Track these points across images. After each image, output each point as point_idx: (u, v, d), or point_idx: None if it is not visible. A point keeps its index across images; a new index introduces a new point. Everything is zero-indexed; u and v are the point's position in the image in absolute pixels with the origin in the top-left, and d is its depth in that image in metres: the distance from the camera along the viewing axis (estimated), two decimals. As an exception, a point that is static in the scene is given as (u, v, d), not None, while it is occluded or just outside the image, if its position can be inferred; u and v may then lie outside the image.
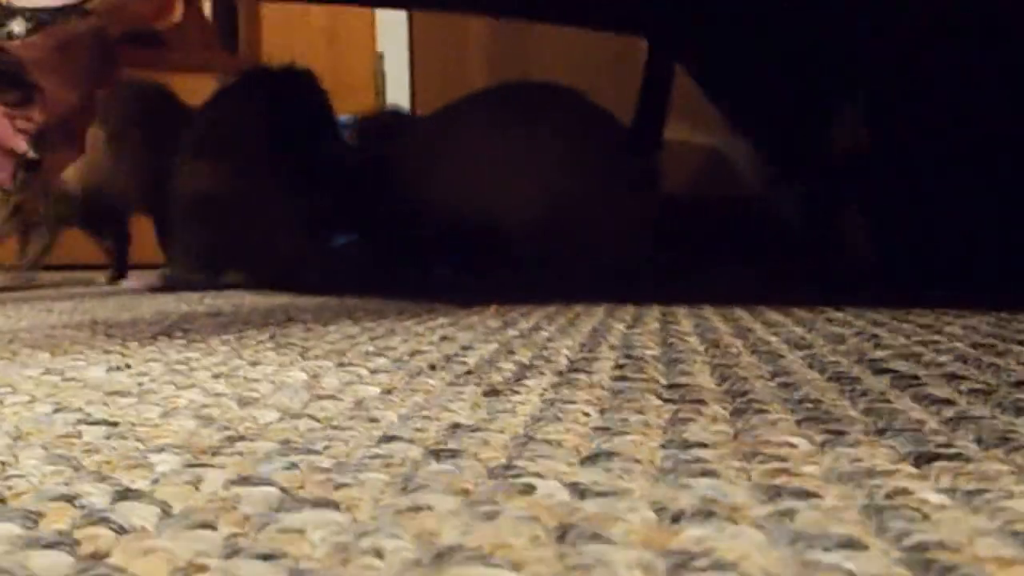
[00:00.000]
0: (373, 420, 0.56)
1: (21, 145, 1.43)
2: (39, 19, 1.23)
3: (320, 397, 0.64)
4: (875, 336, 0.89)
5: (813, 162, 1.79)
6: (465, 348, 0.87)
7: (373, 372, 0.74)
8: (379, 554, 0.33)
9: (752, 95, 1.92)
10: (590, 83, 3.09)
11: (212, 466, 0.45)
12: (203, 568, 0.32)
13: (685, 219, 1.97)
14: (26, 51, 1.21)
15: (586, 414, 0.56)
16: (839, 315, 1.07)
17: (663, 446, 0.48)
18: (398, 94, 3.65)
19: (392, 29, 3.69)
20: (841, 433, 0.50)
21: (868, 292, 1.37)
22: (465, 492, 0.41)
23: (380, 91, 3.62)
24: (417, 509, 0.38)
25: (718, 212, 2.03)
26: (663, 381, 0.67)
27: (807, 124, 1.81)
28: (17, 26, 1.15)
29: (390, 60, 3.66)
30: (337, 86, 3.50)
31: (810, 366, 0.72)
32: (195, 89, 3.28)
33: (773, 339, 0.88)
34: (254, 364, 0.79)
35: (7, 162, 1.45)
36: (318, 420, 0.56)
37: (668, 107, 1.92)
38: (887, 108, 1.64)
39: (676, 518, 0.36)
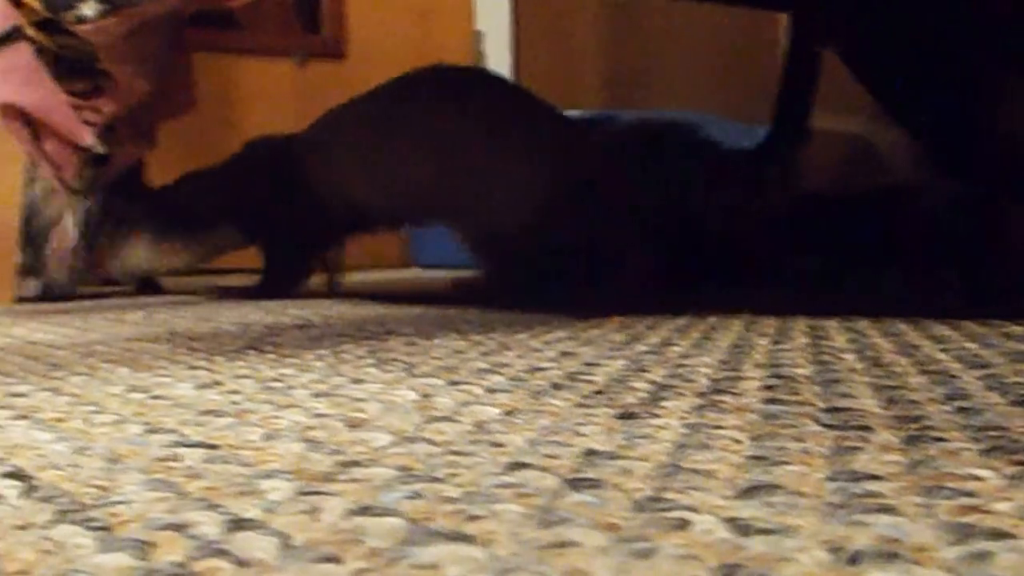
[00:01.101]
0: (497, 445, 0.57)
1: (87, 139, 1.46)
2: (112, 1, 1.25)
3: (435, 419, 0.65)
4: (1061, 354, 0.88)
5: (976, 150, 1.76)
6: (590, 365, 0.88)
7: (490, 391, 0.75)
8: (527, 593, 0.34)
9: (907, 76, 1.90)
10: (715, 64, 3.09)
11: (327, 494, 0.46)
12: (337, 606, 0.33)
13: (827, 215, 1.96)
14: (97, 36, 1.23)
15: (737, 441, 0.57)
16: (1018, 329, 1.06)
17: (830, 478, 0.48)
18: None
19: (492, 4, 3.70)
20: (1034, 465, 0.50)
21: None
22: (612, 527, 0.41)
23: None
24: (562, 545, 0.39)
25: (864, 207, 2.01)
26: (820, 404, 0.67)
27: (969, 108, 1.79)
28: (88, 8, 1.18)
29: (490, 39, 3.67)
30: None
31: (989, 388, 0.72)
32: (271, 73, 3.32)
33: (943, 356, 0.88)
34: (357, 382, 0.80)
35: (72, 157, 1.48)
36: (436, 444, 0.57)
37: (814, 92, 1.92)
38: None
39: (854, 559, 0.37)
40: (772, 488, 0.46)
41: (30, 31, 1.23)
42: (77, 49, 1.26)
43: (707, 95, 3.21)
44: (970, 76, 1.76)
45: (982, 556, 0.37)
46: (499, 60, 3.64)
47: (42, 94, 1.33)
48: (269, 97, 3.29)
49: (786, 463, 0.51)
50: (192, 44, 2.76)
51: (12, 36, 1.27)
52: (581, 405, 0.69)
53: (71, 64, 1.29)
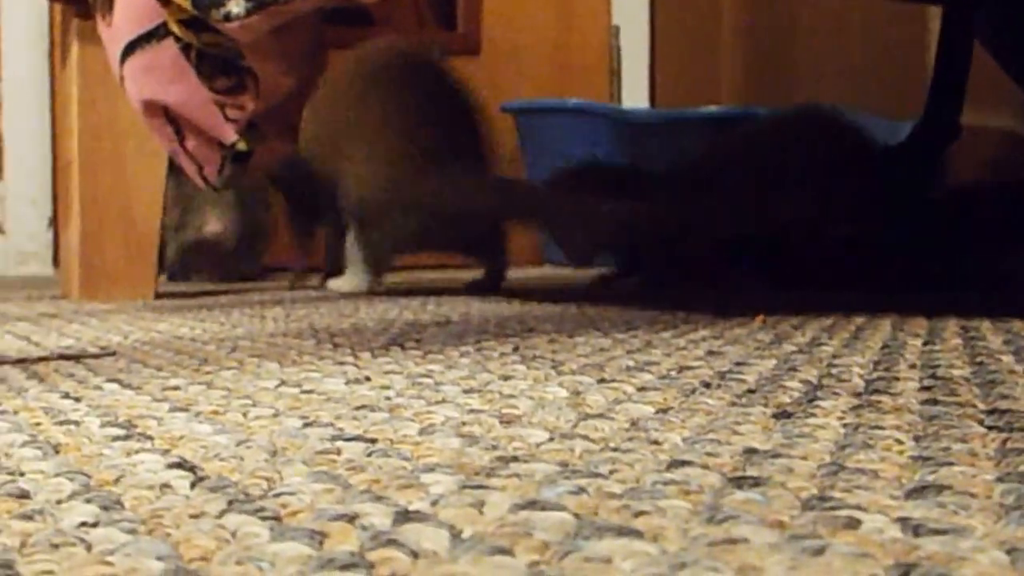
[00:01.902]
0: (655, 442, 0.57)
1: (231, 136, 1.48)
2: (260, -1, 1.27)
3: (589, 416, 0.65)
4: None
5: None
6: (739, 364, 0.88)
7: (640, 389, 0.76)
8: (703, 588, 0.34)
9: None
10: (859, 58, 3.06)
11: (490, 488, 0.47)
12: (516, 596, 0.33)
13: (975, 209, 1.94)
14: (243, 33, 1.25)
15: (899, 441, 0.57)
16: None
17: (999, 479, 0.48)
18: (635, 74, 3.65)
19: (631, -3, 3.69)
20: None
21: None
22: (780, 525, 0.41)
23: (614, 70, 3.63)
24: (732, 541, 0.39)
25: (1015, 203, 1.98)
26: (981, 405, 0.67)
27: None
28: (235, 6, 1.19)
29: (627, 34, 3.66)
30: (565, 66, 3.54)
31: None
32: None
33: (1105, 359, 0.87)
34: (505, 378, 0.81)
35: (214, 155, 1.50)
36: (593, 441, 0.58)
37: (965, 88, 1.89)
38: None
39: (1034, 560, 0.37)
40: (941, 488, 0.46)
41: (176, 29, 1.26)
42: (222, 47, 1.28)
43: (851, 90, 3.19)
44: None
45: None
46: (636, 55, 3.63)
47: (186, 92, 1.35)
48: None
49: (952, 464, 0.51)
50: (330, 42, 2.78)
51: (158, 34, 1.30)
52: (735, 404, 0.69)
53: (216, 61, 1.31)
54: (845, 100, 3.00)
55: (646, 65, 3.61)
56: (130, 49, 1.34)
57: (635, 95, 3.57)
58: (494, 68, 3.40)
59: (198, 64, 1.30)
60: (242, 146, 1.43)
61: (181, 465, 0.52)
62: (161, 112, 1.45)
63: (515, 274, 2.47)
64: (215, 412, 0.68)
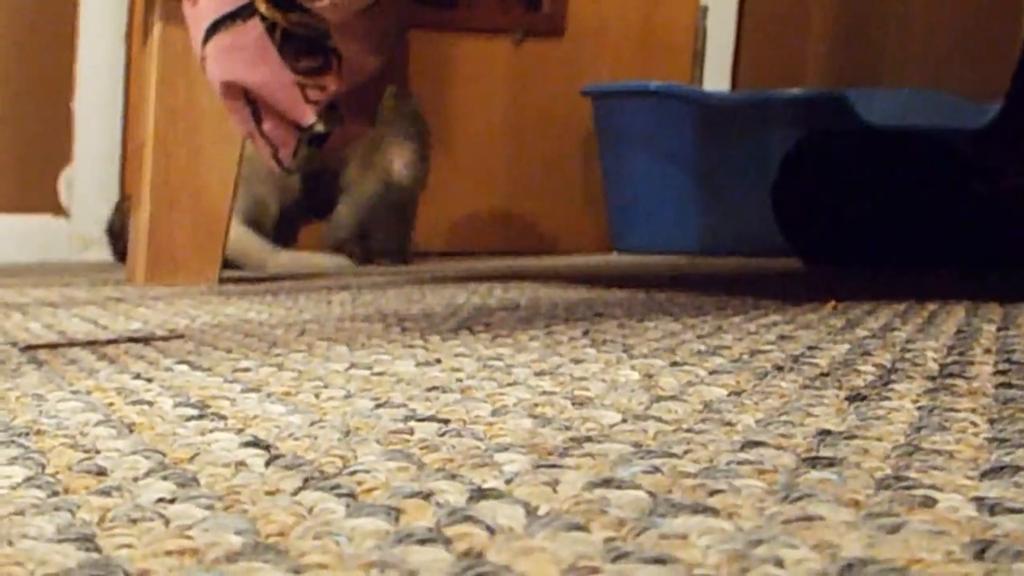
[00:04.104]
0: (728, 424, 0.58)
1: (309, 117, 1.50)
2: (350, -22, 1.27)
3: (661, 398, 0.66)
4: None
5: None
6: (811, 348, 0.88)
7: (712, 372, 0.76)
8: (779, 563, 0.35)
9: None
10: (948, 41, 3.04)
11: (564, 467, 0.48)
12: (595, 570, 0.34)
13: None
14: (332, 13, 1.26)
15: (974, 424, 0.57)
16: None
17: (1075, 460, 0.48)
18: (719, 55, 3.63)
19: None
20: None
21: None
22: (856, 503, 0.42)
23: (699, 52, 3.61)
24: (808, 519, 0.39)
25: None
26: (1058, 389, 0.67)
27: None
28: (326, -13, 1.20)
29: (714, 15, 3.64)
30: (649, 47, 3.53)
31: None
32: (488, 52, 3.35)
33: None
34: (576, 362, 0.82)
35: (290, 137, 1.51)
36: (666, 422, 0.58)
37: None
38: None
39: (1113, 539, 0.37)
40: (1016, 469, 0.47)
41: (263, 8, 1.27)
42: (310, 26, 1.29)
43: (939, 73, 3.17)
44: None
45: None
46: (722, 36, 3.62)
47: (268, 73, 1.36)
48: (484, 76, 3.31)
49: (1028, 446, 0.51)
50: (412, 22, 2.79)
51: (244, 13, 1.31)
52: (807, 387, 0.69)
53: (301, 42, 1.31)
54: (932, 83, 2.98)
55: (731, 47, 3.59)
56: (214, 29, 1.35)
57: (717, 77, 3.56)
58: (577, 49, 3.39)
59: (282, 44, 1.31)
60: (320, 128, 1.44)
61: (255, 444, 0.53)
62: (241, 94, 1.46)
63: (584, 260, 2.48)
64: (287, 393, 0.69)
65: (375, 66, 1.46)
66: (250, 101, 1.38)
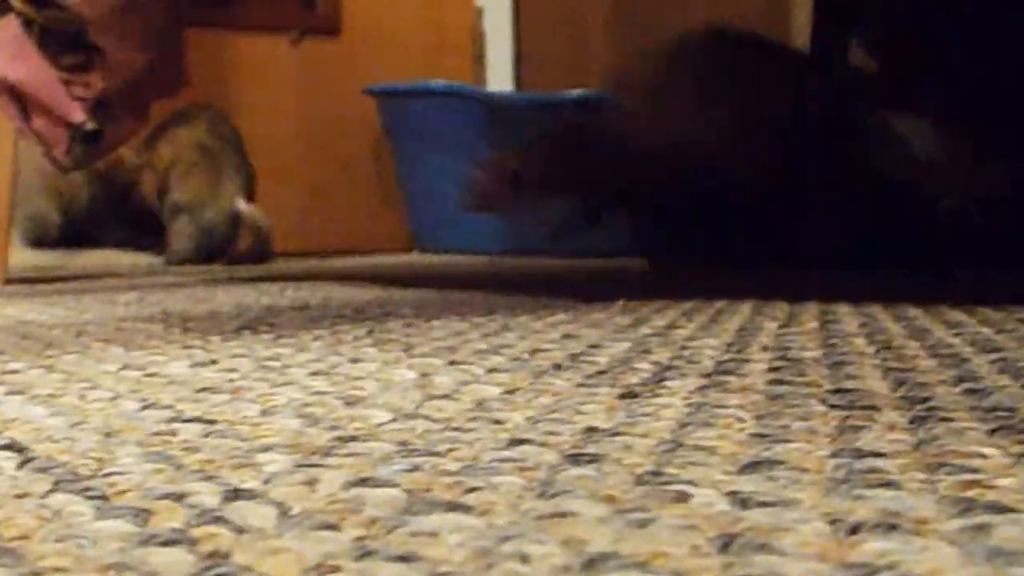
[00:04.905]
0: (497, 422, 0.58)
1: (78, 115, 1.47)
2: (102, -28, 1.26)
3: (434, 397, 0.66)
4: (1080, 340, 0.89)
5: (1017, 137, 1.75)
6: (593, 347, 0.89)
7: (490, 371, 0.76)
8: (525, 559, 0.35)
9: (932, 56, 1.89)
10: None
11: (326, 467, 0.48)
12: (336, 569, 0.34)
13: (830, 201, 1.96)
14: (87, 8, 1.24)
15: (741, 420, 0.58)
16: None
17: (833, 455, 0.49)
18: (499, 56, 3.65)
19: (493, -21, 3.69)
20: (1041, 444, 0.51)
21: None
22: (611, 499, 0.42)
23: (479, 53, 3.63)
24: (561, 515, 0.40)
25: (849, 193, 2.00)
26: (827, 386, 0.68)
27: (1003, 90, 1.77)
28: (77, -20, 1.19)
29: (491, 15, 3.66)
30: (430, 48, 3.54)
31: (1001, 371, 0.73)
32: (267, 50, 3.33)
33: (955, 341, 0.89)
34: (355, 361, 0.82)
35: (62, 134, 1.49)
36: (435, 421, 0.59)
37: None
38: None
39: (854, 530, 0.38)
40: (774, 464, 0.48)
41: (16, 3, 1.24)
42: (66, 22, 1.27)
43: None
44: (995, 53, 1.75)
45: (982, 528, 0.38)
46: (500, 37, 3.64)
47: (31, 69, 1.33)
48: (265, 74, 3.30)
49: (789, 441, 0.52)
50: (187, 19, 2.76)
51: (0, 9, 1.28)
52: (582, 385, 0.70)
53: (60, 38, 1.29)
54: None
55: (510, 48, 3.62)
56: (-27, 25, 1.32)
57: (500, 78, 3.58)
58: (355, 49, 3.39)
59: (41, 40, 1.29)
60: (90, 125, 1.42)
61: (10, 447, 0.53)
62: (7, 90, 1.43)
63: (384, 260, 2.48)
64: (52, 395, 0.68)
65: (142, 63, 1.44)
66: (17, 98, 1.35)
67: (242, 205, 2.59)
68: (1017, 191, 1.76)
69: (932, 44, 1.87)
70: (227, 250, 2.61)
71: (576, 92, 3.04)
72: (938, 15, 1.83)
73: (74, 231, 2.56)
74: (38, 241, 2.51)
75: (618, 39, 3.50)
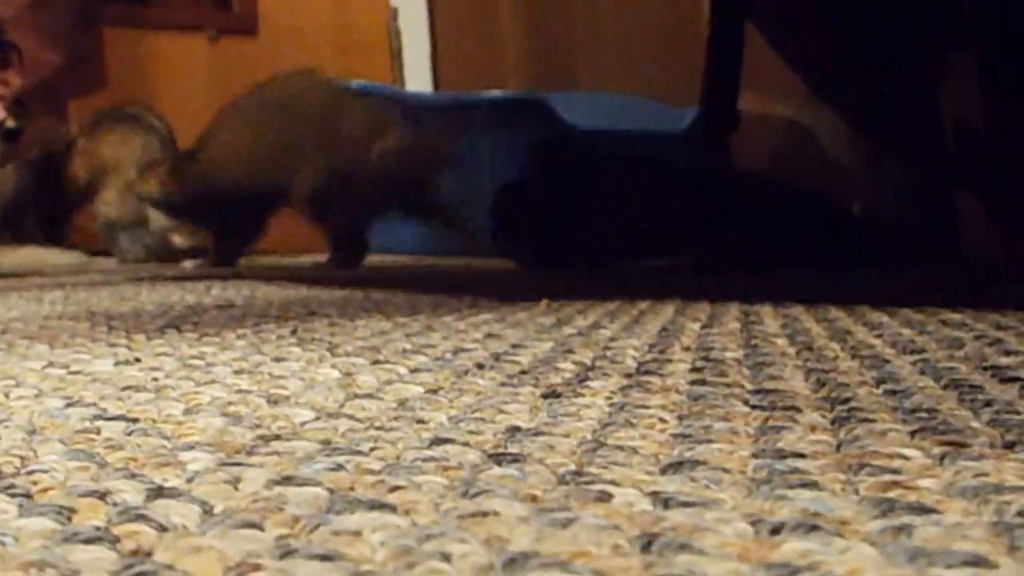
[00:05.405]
0: (420, 421, 0.58)
1: (-2, 113, 1.46)
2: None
3: (357, 396, 0.66)
4: (999, 341, 0.90)
5: (920, 136, 1.77)
6: (516, 346, 0.89)
7: (413, 371, 0.77)
8: (446, 558, 0.35)
9: (840, 54, 1.90)
10: (641, 43, 3.09)
11: (249, 465, 0.48)
12: (257, 568, 0.34)
13: (757, 204, 1.98)
14: (2, 7, 1.23)
15: (663, 420, 0.58)
16: (955, 316, 1.08)
17: (754, 455, 0.50)
18: (417, 56, 3.65)
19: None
20: (962, 445, 0.51)
21: (989, 292, 1.38)
22: (533, 498, 0.43)
23: (396, 51, 3.63)
24: (483, 514, 0.40)
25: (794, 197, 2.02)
26: (749, 386, 0.69)
27: (911, 88, 1.79)
28: (-14, -21, 1.18)
29: (405, 16, 3.66)
30: (346, 47, 3.53)
31: (922, 372, 0.74)
32: (184, 49, 3.31)
33: (877, 342, 0.90)
34: (278, 360, 0.82)
35: (-19, 133, 1.48)
36: (359, 420, 0.59)
37: (740, 72, 1.92)
38: (1016, 67, 1.60)
39: (775, 531, 0.38)
40: (696, 464, 0.48)
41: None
42: (-22, 20, 1.26)
43: (633, 75, 3.22)
44: (911, 52, 1.76)
45: (903, 529, 0.38)
46: (416, 38, 3.64)
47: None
48: (182, 73, 3.28)
49: (711, 441, 0.53)
50: (103, 19, 2.76)
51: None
52: (505, 384, 0.70)
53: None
54: (627, 86, 3.04)
55: (427, 48, 3.62)
56: None
57: (418, 79, 3.58)
58: (272, 48, 3.38)
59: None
60: (11, 124, 1.41)
61: (-70, 445, 0.52)
62: (-78, 88, 1.42)
63: (308, 261, 2.47)
64: (-25, 392, 0.68)
65: (56, 61, 1.44)
66: (-66, 96, 1.34)
67: (176, 239, 2.57)
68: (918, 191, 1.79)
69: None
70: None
71: (491, 93, 3.04)
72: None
73: (12, 220, 2.54)
74: None
75: (532, 42, 3.51)
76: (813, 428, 0.56)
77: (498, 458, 0.49)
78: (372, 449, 0.51)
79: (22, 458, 0.49)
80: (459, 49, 3.60)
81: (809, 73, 2.00)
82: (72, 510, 0.40)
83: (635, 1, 3.13)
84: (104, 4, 2.82)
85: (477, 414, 0.60)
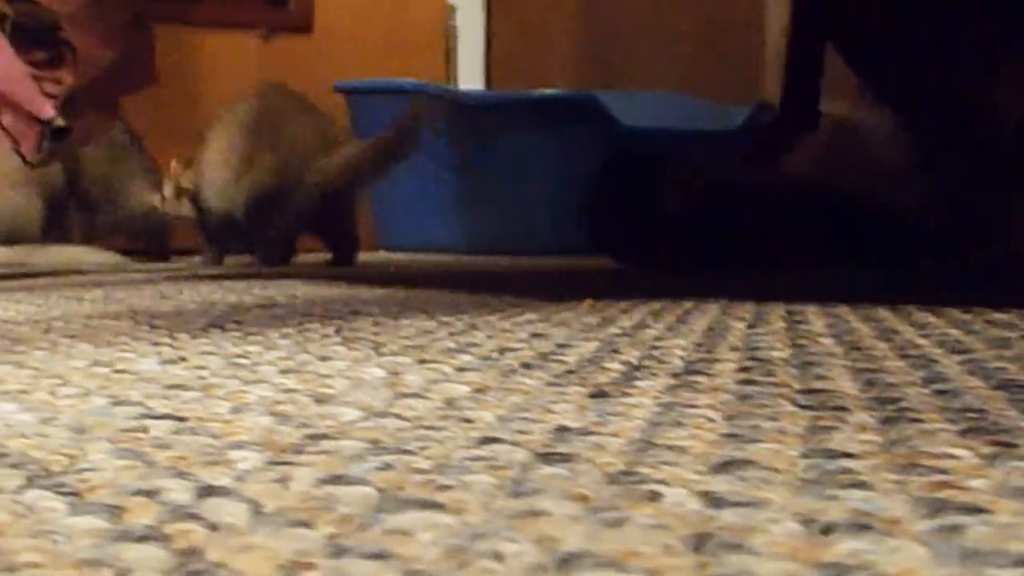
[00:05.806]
0: (468, 420, 0.58)
1: (47, 111, 1.47)
2: (74, -33, 1.26)
3: (404, 395, 0.66)
4: (1048, 340, 0.90)
5: (973, 138, 1.76)
6: (561, 346, 0.89)
7: (459, 370, 0.77)
8: (498, 558, 0.35)
9: (896, 52, 1.89)
10: (694, 42, 3.09)
11: (298, 464, 0.48)
12: (310, 567, 0.34)
13: (803, 204, 1.98)
14: (60, 3, 1.24)
15: (711, 420, 0.58)
16: (1002, 317, 1.07)
17: (804, 455, 0.50)
18: (471, 55, 3.65)
19: (465, -23, 3.70)
20: (1013, 445, 0.51)
21: None
22: (583, 498, 0.43)
23: (450, 50, 3.63)
24: (533, 514, 0.40)
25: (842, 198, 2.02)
26: (796, 386, 0.69)
27: (966, 91, 1.78)
28: (53, -25, 1.18)
29: (462, 13, 3.66)
30: (400, 45, 3.54)
31: (971, 373, 0.74)
32: (235, 47, 3.32)
33: (924, 342, 0.90)
34: (323, 359, 0.82)
35: (31, 131, 1.48)
36: (406, 419, 0.59)
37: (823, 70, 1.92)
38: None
39: (826, 530, 0.38)
40: (745, 464, 0.48)
41: (-13, -2, 1.24)
42: (37, 17, 1.26)
43: (685, 74, 3.22)
44: (967, 54, 1.75)
45: (954, 528, 0.38)
46: (471, 35, 3.64)
47: (1, 64, 1.33)
48: (233, 71, 3.29)
49: (760, 441, 0.53)
50: (155, 16, 2.76)
51: (-33, 3, 1.28)
52: (552, 384, 0.70)
53: (32, 33, 1.29)
54: (678, 85, 3.04)
55: (481, 46, 3.62)
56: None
57: (471, 77, 3.58)
58: (327, 47, 3.39)
59: (12, 35, 1.29)
60: (60, 122, 1.42)
61: (-19, 442, 0.53)
62: (-26, 85, 1.43)
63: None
64: (22, 391, 0.68)
65: (110, 59, 1.44)
66: (-14, 93, 1.35)
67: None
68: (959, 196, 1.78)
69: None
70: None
71: (544, 91, 3.05)
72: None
73: (54, 217, 2.56)
74: (19, 234, 2.50)
75: (585, 41, 3.51)
76: (862, 428, 0.56)
77: (547, 457, 0.49)
78: (420, 448, 0.51)
79: (70, 457, 0.50)
80: (513, 48, 3.60)
81: (872, 74, 1.99)
82: (122, 509, 0.40)
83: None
84: (156, 1, 2.84)
85: (525, 413, 0.60)
